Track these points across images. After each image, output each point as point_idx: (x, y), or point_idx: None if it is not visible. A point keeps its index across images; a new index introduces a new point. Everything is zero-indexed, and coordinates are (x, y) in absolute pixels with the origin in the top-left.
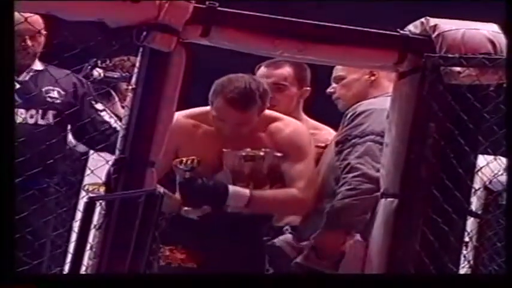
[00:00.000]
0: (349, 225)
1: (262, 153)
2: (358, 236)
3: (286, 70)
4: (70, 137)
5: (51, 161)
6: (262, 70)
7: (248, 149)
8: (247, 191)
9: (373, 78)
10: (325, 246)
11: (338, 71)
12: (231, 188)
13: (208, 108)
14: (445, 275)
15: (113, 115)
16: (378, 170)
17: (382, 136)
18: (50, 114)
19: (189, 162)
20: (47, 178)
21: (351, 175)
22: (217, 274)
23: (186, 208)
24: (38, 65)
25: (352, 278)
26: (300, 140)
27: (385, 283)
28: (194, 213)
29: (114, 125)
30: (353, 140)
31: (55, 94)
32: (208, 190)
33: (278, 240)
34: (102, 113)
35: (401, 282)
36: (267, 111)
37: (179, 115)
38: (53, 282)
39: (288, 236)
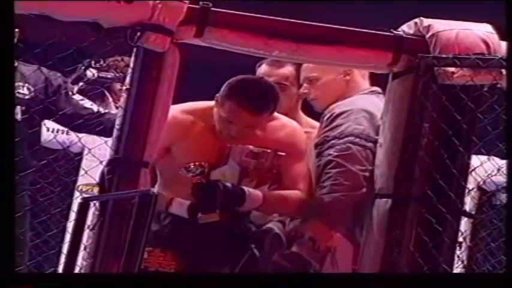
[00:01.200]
0: (338, 222)
1: (268, 151)
2: (341, 236)
3: (288, 70)
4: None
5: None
6: (263, 68)
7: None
8: (260, 193)
9: (348, 77)
10: (320, 238)
11: (309, 71)
12: (247, 190)
13: (204, 103)
14: (443, 274)
15: (92, 102)
16: (359, 170)
17: (361, 138)
18: (19, 110)
19: (197, 167)
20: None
21: (335, 170)
22: (211, 274)
23: (201, 214)
24: None
25: (346, 278)
26: (297, 141)
27: (381, 282)
28: (210, 218)
29: (97, 109)
30: (332, 141)
31: (24, 90)
32: (227, 194)
33: (274, 226)
34: (82, 101)
35: (397, 281)
36: None
37: (175, 109)
38: (50, 282)
39: (279, 225)
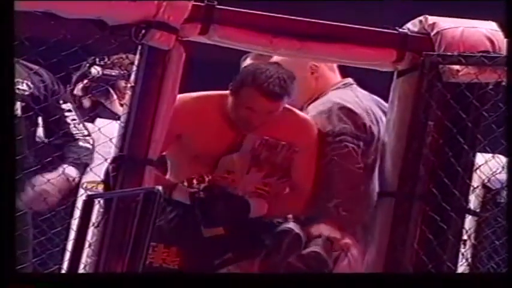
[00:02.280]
0: (349, 221)
1: (283, 143)
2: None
3: None
4: (40, 132)
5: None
6: (248, 62)
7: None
8: (264, 202)
9: (316, 74)
10: (336, 238)
11: None
12: (251, 201)
13: (217, 92)
14: (446, 274)
15: (80, 119)
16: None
17: (351, 136)
18: (19, 105)
19: (198, 181)
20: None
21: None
22: (215, 274)
23: (205, 229)
24: None
25: (350, 278)
26: (312, 137)
27: (385, 282)
28: (215, 232)
29: (76, 131)
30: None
31: (24, 86)
32: (231, 208)
33: (294, 227)
34: (68, 114)
35: (401, 281)
36: None
37: (187, 97)
38: (51, 283)
39: (297, 225)
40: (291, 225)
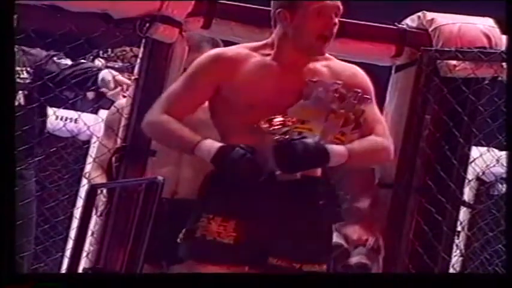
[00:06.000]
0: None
1: (358, 90)
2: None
3: None
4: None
5: (30, 144)
6: None
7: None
8: (344, 149)
9: None
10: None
11: None
12: (330, 147)
13: (261, 42)
14: (446, 274)
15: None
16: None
17: None
18: (21, 95)
19: (280, 123)
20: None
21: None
22: (216, 274)
23: (282, 174)
24: None
25: (350, 278)
26: (367, 82)
27: (383, 282)
28: (292, 177)
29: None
30: None
31: (24, 74)
32: (311, 154)
33: (338, 238)
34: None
35: (398, 280)
36: None
37: (221, 48)
38: (50, 281)
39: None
40: (335, 237)
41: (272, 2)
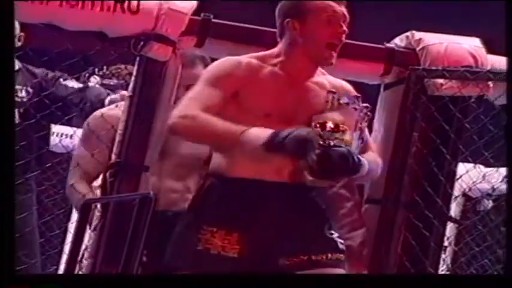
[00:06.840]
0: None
1: (365, 104)
2: None
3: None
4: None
5: (27, 159)
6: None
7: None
8: (365, 160)
9: None
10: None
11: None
12: (362, 159)
13: (266, 52)
14: (444, 275)
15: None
16: None
17: None
18: (16, 113)
19: (329, 129)
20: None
21: None
22: (215, 274)
23: (311, 178)
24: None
25: (346, 279)
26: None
27: (375, 284)
28: (323, 183)
29: (77, 86)
30: None
31: (23, 93)
32: (352, 163)
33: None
34: (65, 82)
35: (391, 282)
36: None
37: (238, 57)
38: (48, 283)
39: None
40: None
41: (277, 13)
